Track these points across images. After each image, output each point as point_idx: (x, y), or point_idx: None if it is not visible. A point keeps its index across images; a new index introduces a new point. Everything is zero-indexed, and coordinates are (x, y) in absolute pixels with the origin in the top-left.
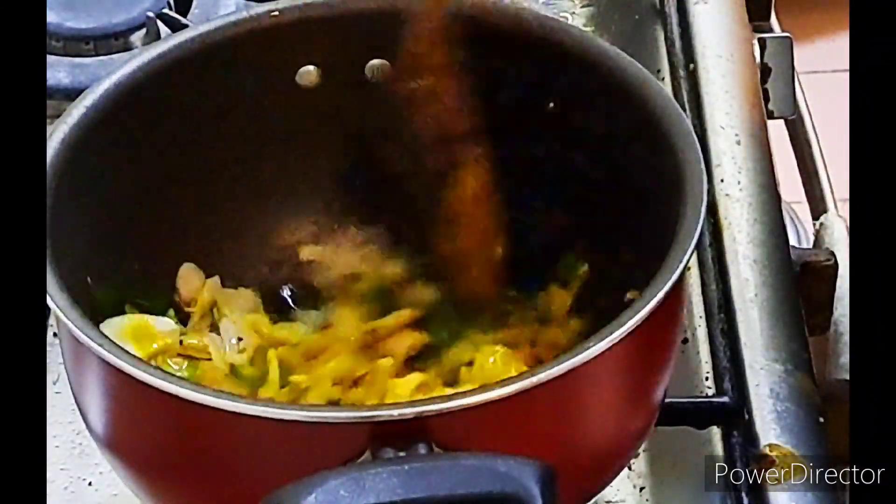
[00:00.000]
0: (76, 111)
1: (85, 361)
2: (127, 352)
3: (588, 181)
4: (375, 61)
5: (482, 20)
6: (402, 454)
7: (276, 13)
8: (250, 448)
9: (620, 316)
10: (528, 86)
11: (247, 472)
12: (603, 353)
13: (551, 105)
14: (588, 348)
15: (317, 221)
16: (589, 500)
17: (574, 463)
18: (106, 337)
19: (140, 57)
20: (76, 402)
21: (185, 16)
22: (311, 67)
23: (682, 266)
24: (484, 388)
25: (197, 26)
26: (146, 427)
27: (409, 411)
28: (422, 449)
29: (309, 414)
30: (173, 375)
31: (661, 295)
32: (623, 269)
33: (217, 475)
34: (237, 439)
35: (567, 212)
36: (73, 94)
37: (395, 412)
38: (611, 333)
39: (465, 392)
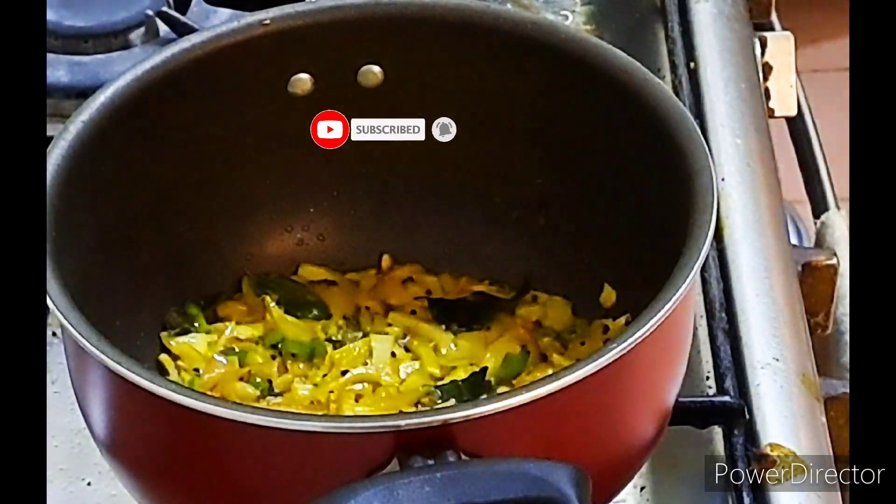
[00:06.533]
0: (73, 126)
1: (87, 366)
2: (130, 358)
3: (590, 183)
4: (367, 67)
5: (476, 24)
6: (430, 462)
7: (268, 22)
8: (270, 461)
9: (639, 318)
10: (526, 88)
11: (268, 485)
12: (624, 355)
13: (550, 105)
14: (609, 351)
15: (311, 230)
16: (609, 501)
17: (598, 465)
18: (107, 343)
19: (134, 70)
20: (80, 408)
21: (184, 14)
22: (303, 75)
23: (699, 260)
24: (509, 393)
25: (189, 37)
26: (157, 437)
27: (436, 418)
28: (450, 456)
29: (332, 424)
30: (192, 390)
31: (681, 292)
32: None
33: (236, 490)
34: (257, 452)
35: (572, 213)
36: (72, 92)
37: (422, 420)
38: (632, 335)
39: (490, 398)
